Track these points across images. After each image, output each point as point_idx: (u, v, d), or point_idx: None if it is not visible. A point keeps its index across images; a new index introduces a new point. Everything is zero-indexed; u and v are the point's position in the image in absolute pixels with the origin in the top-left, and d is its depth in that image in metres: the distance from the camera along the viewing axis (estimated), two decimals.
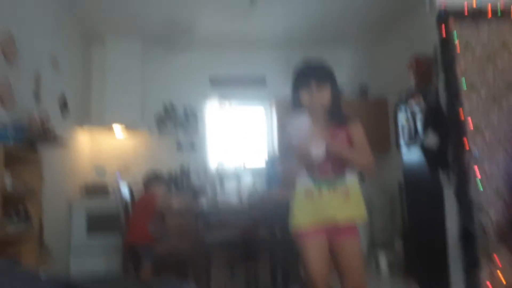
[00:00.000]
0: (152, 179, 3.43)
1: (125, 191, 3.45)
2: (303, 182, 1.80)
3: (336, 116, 1.85)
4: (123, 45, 4.95)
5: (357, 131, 1.84)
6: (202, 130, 5.26)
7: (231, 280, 3.95)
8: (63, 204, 4.13)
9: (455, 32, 2.77)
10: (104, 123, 4.74)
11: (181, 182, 4.88)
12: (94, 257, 4.16)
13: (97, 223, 4.25)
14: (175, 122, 5.19)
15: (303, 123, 1.74)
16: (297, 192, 1.82)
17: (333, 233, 1.79)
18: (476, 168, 2.69)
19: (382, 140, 5.04)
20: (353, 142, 1.81)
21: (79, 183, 4.60)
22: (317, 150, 1.70)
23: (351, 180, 1.83)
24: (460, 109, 2.72)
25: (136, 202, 3.42)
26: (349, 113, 1.89)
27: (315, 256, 1.77)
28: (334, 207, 1.77)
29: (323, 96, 1.80)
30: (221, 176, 3.22)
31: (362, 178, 5.12)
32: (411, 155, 3.48)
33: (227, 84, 5.39)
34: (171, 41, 5.16)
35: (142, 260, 3.07)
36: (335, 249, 1.81)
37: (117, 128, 4.85)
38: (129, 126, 4.84)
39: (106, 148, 5.03)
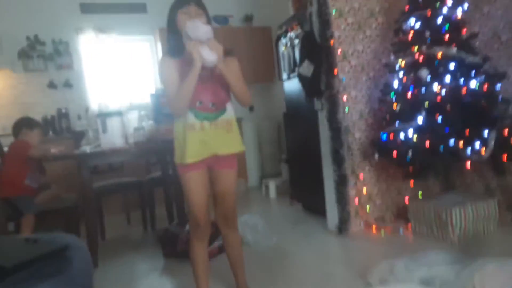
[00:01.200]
0: (21, 125, 3.07)
1: None
2: (186, 117, 1.78)
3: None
4: None
5: (233, 64, 1.85)
6: (77, 65, 4.75)
7: (128, 226, 3.95)
8: None
9: None
10: None
11: (59, 125, 4.48)
12: None
13: None
14: (44, 57, 4.58)
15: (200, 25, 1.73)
16: (179, 126, 1.81)
17: (213, 163, 1.85)
18: (343, 92, 2.93)
19: (268, 71, 5.15)
20: (229, 72, 1.80)
21: None
22: (211, 54, 1.69)
23: (231, 113, 1.86)
24: (331, 37, 2.86)
25: (6, 152, 3.07)
26: (227, 47, 1.85)
27: (196, 188, 1.83)
28: (216, 141, 1.80)
29: (202, 19, 1.77)
30: (103, 117, 2.99)
31: (250, 108, 5.32)
32: (292, 85, 3.64)
33: (101, 12, 4.84)
34: None
35: (21, 213, 2.85)
36: (213, 177, 1.89)
37: None
38: None
39: None
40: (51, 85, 4.62)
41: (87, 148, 3.00)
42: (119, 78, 4.89)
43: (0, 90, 4.45)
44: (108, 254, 3.06)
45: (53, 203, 3.08)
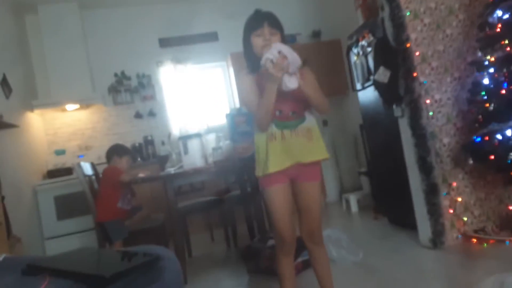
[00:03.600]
0: (112, 152, 3.35)
1: (87, 168, 3.37)
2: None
3: None
4: (58, 12, 4.61)
5: (309, 75, 1.85)
6: (159, 95, 5.11)
7: (212, 244, 4.06)
8: (27, 190, 4.01)
9: None
10: (55, 104, 4.52)
11: (146, 151, 4.81)
12: (69, 239, 4.10)
13: (66, 205, 4.17)
14: (130, 90, 5.01)
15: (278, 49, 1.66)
16: (259, 137, 1.80)
17: (297, 175, 1.80)
18: (426, 96, 2.75)
19: (340, 83, 5.06)
20: (307, 85, 1.78)
21: (40, 167, 4.46)
22: (291, 80, 1.64)
23: (311, 121, 1.83)
24: (407, 40, 2.72)
25: (101, 178, 3.36)
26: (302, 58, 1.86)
27: (280, 202, 1.78)
28: (298, 149, 1.77)
29: (275, 39, 1.78)
30: (184, 140, 3.15)
31: (324, 123, 5.25)
32: (367, 94, 3.52)
33: (178, 44, 5.19)
34: (108, 2, 4.87)
35: (110, 240, 3.05)
36: (296, 191, 1.84)
37: (70, 106, 4.65)
38: (82, 102, 4.64)
39: (62, 127, 4.84)
40: (137, 115, 5.02)
41: (171, 170, 3.16)
42: (197, 103, 5.16)
43: (95, 123, 4.93)
44: (195, 271, 3.14)
45: (144, 223, 3.27)
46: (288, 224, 1.79)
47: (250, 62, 1.84)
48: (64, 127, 4.83)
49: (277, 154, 1.75)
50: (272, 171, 1.74)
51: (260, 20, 1.79)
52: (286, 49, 1.62)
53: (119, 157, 3.32)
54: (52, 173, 4.38)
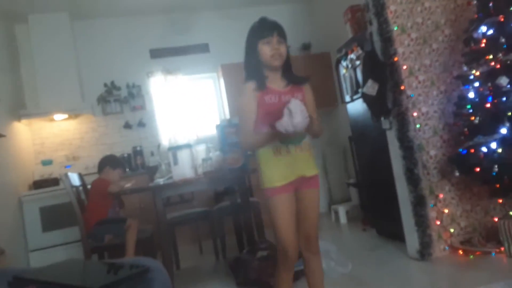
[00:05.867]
0: (106, 163, 3.32)
1: (74, 178, 3.33)
2: (272, 142, 1.78)
3: (292, 76, 1.86)
4: (48, 22, 4.59)
5: (310, 94, 1.89)
6: (149, 106, 5.10)
7: (200, 256, 4.02)
8: (12, 201, 3.93)
9: None
10: (43, 114, 4.47)
11: (135, 162, 4.77)
12: (54, 252, 4.02)
13: (51, 216, 4.10)
14: (119, 100, 4.99)
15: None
16: (264, 151, 1.80)
17: (300, 184, 1.82)
18: (413, 109, 2.80)
19: (330, 95, 5.12)
20: (306, 105, 1.77)
21: (26, 178, 4.39)
22: (300, 121, 1.59)
23: (308, 138, 1.86)
24: (394, 54, 2.78)
25: (90, 189, 3.31)
26: (304, 76, 1.90)
27: (285, 211, 1.78)
28: (302, 163, 1.80)
29: (283, 51, 1.79)
30: (174, 150, 3.14)
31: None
32: (356, 106, 3.57)
33: (168, 55, 5.20)
34: (100, 13, 4.86)
35: (123, 221, 3.00)
36: (298, 198, 1.84)
37: (58, 116, 4.61)
38: (71, 112, 4.60)
39: (49, 137, 4.78)
40: (127, 126, 4.98)
41: (160, 181, 3.14)
42: (187, 114, 5.15)
43: (83, 133, 4.89)
44: (184, 283, 3.10)
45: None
46: (292, 235, 1.78)
47: (251, 70, 1.83)
48: (51, 137, 4.78)
49: (283, 169, 1.77)
50: (278, 185, 1.76)
51: (270, 29, 1.79)
52: (297, 108, 1.59)
53: (113, 168, 3.30)
54: (39, 184, 4.31)
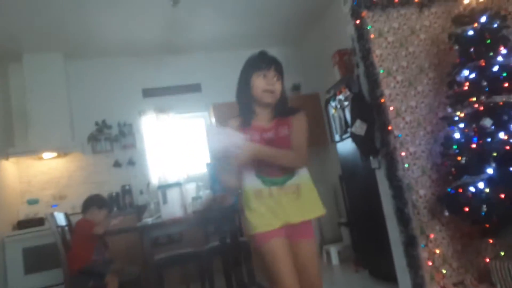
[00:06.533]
0: (92, 203, 3.26)
1: (60, 218, 3.25)
2: (252, 183, 1.68)
3: (282, 109, 1.78)
4: (43, 61, 4.65)
5: (298, 122, 1.76)
6: (139, 144, 5.09)
7: None
8: None
9: (367, 23, 2.91)
10: (32, 152, 4.43)
11: (123, 201, 4.70)
12: None
13: (34, 258, 3.96)
14: (110, 139, 4.98)
15: (233, 126, 1.68)
16: (247, 193, 1.69)
17: (290, 233, 1.69)
18: (401, 149, 2.84)
19: (321, 134, 5.18)
20: (291, 133, 1.72)
21: (11, 217, 4.27)
22: (243, 152, 1.56)
23: (301, 176, 1.73)
24: (381, 95, 2.86)
25: (74, 230, 3.23)
26: (294, 108, 1.82)
27: (282, 256, 1.60)
28: (286, 207, 1.66)
29: (277, 89, 1.73)
30: (163, 189, 3.11)
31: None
32: (345, 146, 3.61)
33: (161, 95, 5.27)
34: (94, 53, 4.95)
35: (102, 276, 2.91)
36: (292, 249, 1.69)
37: (47, 154, 4.57)
38: (60, 150, 4.57)
39: (37, 176, 4.71)
40: (116, 164, 4.95)
41: (149, 220, 3.09)
42: (177, 152, 5.15)
43: (71, 171, 4.83)
44: None
45: (118, 277, 3.12)
46: (295, 281, 1.59)
47: (241, 103, 1.76)
48: (39, 175, 4.70)
49: (264, 214, 1.65)
50: (264, 230, 1.63)
51: (268, 62, 1.72)
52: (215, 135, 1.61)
53: (98, 209, 3.24)
54: (23, 224, 4.19)
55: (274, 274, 1.59)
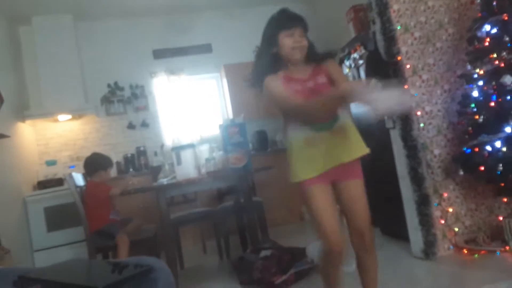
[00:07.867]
0: (97, 166, 3.29)
1: (79, 179, 3.34)
2: (301, 133, 1.70)
3: (313, 58, 1.79)
4: (52, 23, 4.61)
5: (333, 66, 1.79)
6: (152, 106, 5.11)
7: (204, 255, 4.03)
8: (17, 202, 3.96)
9: None
10: (47, 114, 4.49)
11: (139, 162, 4.79)
12: (58, 251, 4.04)
13: (56, 216, 4.12)
14: (123, 101, 5.00)
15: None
16: (296, 140, 1.72)
17: (338, 175, 1.72)
18: (416, 108, 2.79)
19: None
20: (333, 77, 1.74)
21: (31, 178, 4.41)
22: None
23: (345, 117, 1.75)
24: (397, 53, 2.77)
25: (86, 192, 3.27)
26: (323, 53, 1.82)
27: (323, 203, 1.66)
28: (337, 150, 1.70)
29: (305, 44, 1.72)
30: (177, 150, 3.15)
31: None
32: (359, 105, 3.55)
33: (172, 56, 5.21)
34: (103, 14, 4.87)
35: (113, 237, 3.02)
36: (338, 192, 1.74)
37: (62, 116, 4.63)
38: (75, 112, 4.62)
39: (53, 138, 4.81)
40: (130, 126, 5.00)
41: (164, 181, 3.15)
42: (190, 114, 5.16)
43: (87, 133, 4.91)
44: (187, 283, 3.11)
45: (135, 234, 3.24)
46: (334, 227, 1.65)
47: (265, 61, 1.74)
48: (55, 138, 4.80)
49: (314, 160, 1.68)
50: (311, 176, 1.67)
51: (293, 20, 1.72)
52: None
53: (105, 170, 3.30)
54: (43, 184, 4.34)
55: (316, 221, 1.67)
